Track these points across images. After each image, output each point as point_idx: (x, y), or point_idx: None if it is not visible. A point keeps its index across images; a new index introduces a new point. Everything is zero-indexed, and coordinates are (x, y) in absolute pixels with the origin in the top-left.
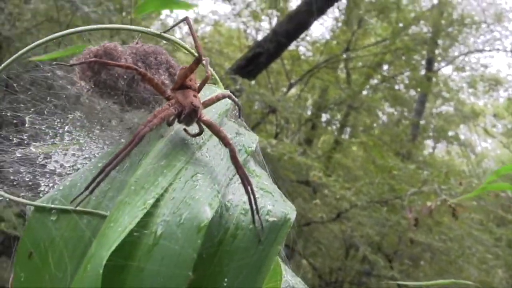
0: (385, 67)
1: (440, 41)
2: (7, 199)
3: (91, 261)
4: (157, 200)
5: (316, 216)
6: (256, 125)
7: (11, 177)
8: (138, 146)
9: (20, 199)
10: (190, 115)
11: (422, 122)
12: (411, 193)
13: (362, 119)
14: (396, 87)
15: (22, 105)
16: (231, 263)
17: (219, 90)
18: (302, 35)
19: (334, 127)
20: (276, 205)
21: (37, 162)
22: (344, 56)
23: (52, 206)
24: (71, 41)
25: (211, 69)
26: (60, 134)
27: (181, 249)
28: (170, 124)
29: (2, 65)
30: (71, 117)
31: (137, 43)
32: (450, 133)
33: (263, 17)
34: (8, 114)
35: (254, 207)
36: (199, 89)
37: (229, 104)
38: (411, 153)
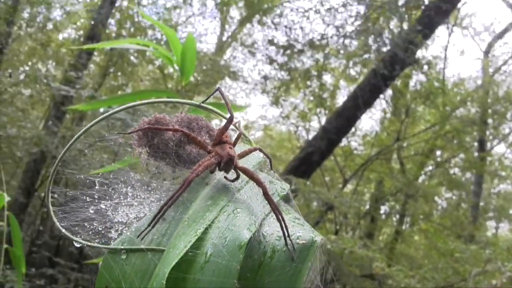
0: (438, 152)
1: (489, 120)
2: (85, 245)
3: (156, 279)
4: (206, 229)
5: None
6: (315, 224)
7: (88, 228)
8: (188, 193)
9: (98, 245)
10: (227, 163)
11: (481, 203)
12: (475, 274)
13: (420, 206)
14: (451, 171)
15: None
16: (270, 278)
17: (256, 146)
18: (352, 130)
19: (393, 218)
20: (305, 232)
21: (107, 215)
22: (396, 146)
23: (121, 247)
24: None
25: (242, 129)
26: (124, 193)
27: (228, 263)
28: (212, 171)
29: (65, 148)
30: (133, 178)
31: (181, 112)
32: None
33: (311, 116)
34: (82, 177)
35: (285, 232)
36: (234, 144)
37: (261, 158)
38: (473, 236)
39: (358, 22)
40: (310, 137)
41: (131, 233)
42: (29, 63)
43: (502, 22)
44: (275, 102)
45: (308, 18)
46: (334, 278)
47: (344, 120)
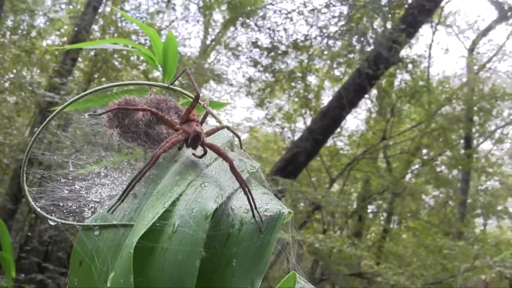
0: (424, 150)
1: (475, 118)
2: (60, 223)
3: (125, 249)
4: (174, 202)
5: None
6: (302, 224)
7: (63, 208)
8: (158, 170)
9: (71, 222)
10: (194, 139)
11: (468, 200)
12: (464, 270)
13: (407, 205)
14: (438, 169)
15: (65, 151)
16: (238, 249)
17: (224, 124)
18: (338, 130)
19: (381, 216)
20: (272, 205)
21: (80, 194)
22: (382, 145)
23: (96, 223)
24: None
25: (213, 112)
26: (97, 173)
27: (194, 232)
28: (180, 148)
29: (44, 123)
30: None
31: (150, 94)
32: (499, 208)
33: (297, 117)
34: (55, 158)
35: (253, 205)
36: (201, 122)
37: (230, 136)
38: (461, 233)
39: (341, 23)
40: (296, 138)
41: (104, 210)
42: (14, 71)
43: (486, 20)
44: (260, 104)
45: (291, 19)
46: (323, 277)
47: (329, 120)
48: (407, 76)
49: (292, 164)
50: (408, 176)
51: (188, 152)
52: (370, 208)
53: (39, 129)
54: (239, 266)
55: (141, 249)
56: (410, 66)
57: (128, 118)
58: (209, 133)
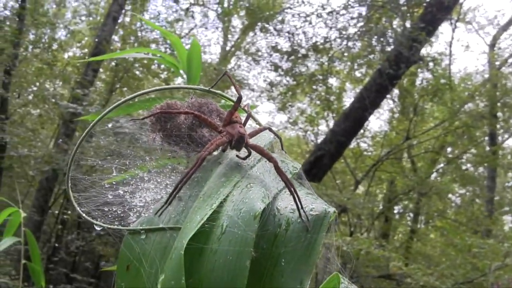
0: (449, 149)
1: (499, 114)
2: (106, 228)
3: (174, 251)
4: (221, 203)
5: None
6: (328, 228)
7: (108, 213)
8: (203, 173)
9: (118, 227)
10: (238, 140)
11: (496, 197)
12: (495, 268)
13: (434, 204)
14: (463, 167)
15: (109, 157)
16: (286, 248)
17: (265, 125)
18: (361, 131)
19: (408, 217)
20: (318, 204)
21: (125, 199)
22: (405, 145)
23: (143, 227)
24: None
25: (255, 116)
26: (140, 177)
27: (243, 232)
28: (224, 150)
29: (81, 138)
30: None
31: (191, 98)
32: None
33: (319, 120)
34: (99, 162)
35: (299, 204)
36: (244, 124)
37: (272, 138)
38: (490, 231)
39: (360, 24)
40: (319, 140)
41: (149, 214)
42: (37, 83)
43: (506, 14)
44: (282, 108)
45: (310, 22)
46: (351, 280)
47: (352, 122)
48: (428, 75)
49: (316, 167)
50: (434, 175)
51: (231, 154)
52: (396, 208)
53: (83, 135)
54: (287, 265)
55: (190, 251)
56: (431, 64)
57: (170, 122)
58: (251, 135)
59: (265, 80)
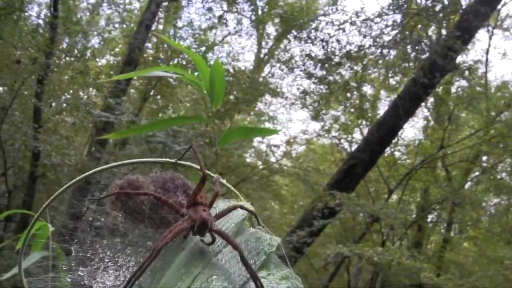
0: (484, 157)
1: None
2: None
3: None
4: None
5: None
6: (362, 236)
7: None
8: (162, 260)
9: None
10: (200, 227)
11: None
12: None
13: (468, 213)
14: (498, 176)
15: (66, 237)
16: None
17: (238, 202)
18: (395, 140)
19: (441, 226)
20: None
21: (84, 283)
22: (440, 153)
23: None
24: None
25: (228, 185)
26: (101, 259)
27: None
28: (185, 236)
29: (46, 203)
30: (110, 244)
31: (156, 172)
32: None
33: (353, 128)
34: (54, 246)
35: None
36: (210, 205)
37: (245, 214)
38: None
39: (395, 31)
40: (353, 149)
41: None
42: (70, 91)
43: None
44: (316, 116)
45: (344, 30)
46: None
47: (386, 130)
48: (464, 83)
49: (349, 176)
50: (468, 184)
51: (196, 238)
52: (430, 217)
53: (49, 200)
54: None
55: None
56: (466, 72)
57: (132, 200)
58: (219, 216)
59: (298, 88)
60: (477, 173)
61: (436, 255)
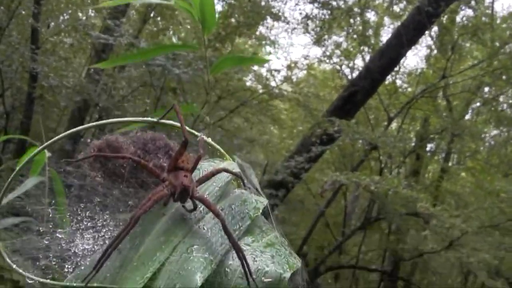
0: (486, 89)
1: None
2: (37, 282)
3: None
4: (155, 274)
5: (428, 247)
6: (360, 163)
7: (41, 262)
8: (142, 226)
9: (48, 281)
10: (181, 193)
11: None
12: None
13: (467, 144)
14: (499, 107)
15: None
16: None
17: (223, 164)
18: (396, 68)
19: (439, 156)
20: (274, 266)
21: (61, 247)
22: (442, 83)
23: (72, 284)
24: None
25: (214, 144)
26: (79, 220)
27: None
28: (165, 203)
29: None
30: (89, 205)
31: (136, 132)
32: None
33: (355, 55)
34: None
35: (247, 270)
36: (192, 169)
37: (230, 177)
38: None
39: None
40: (354, 75)
41: (85, 267)
42: (69, 11)
43: None
44: (318, 41)
45: None
46: (379, 216)
47: (388, 59)
48: (469, 12)
49: (349, 103)
50: (468, 115)
51: (177, 203)
52: (429, 146)
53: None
54: None
55: None
56: (473, 2)
57: (111, 162)
58: (202, 180)
59: (301, 13)
60: (478, 104)
61: (433, 185)
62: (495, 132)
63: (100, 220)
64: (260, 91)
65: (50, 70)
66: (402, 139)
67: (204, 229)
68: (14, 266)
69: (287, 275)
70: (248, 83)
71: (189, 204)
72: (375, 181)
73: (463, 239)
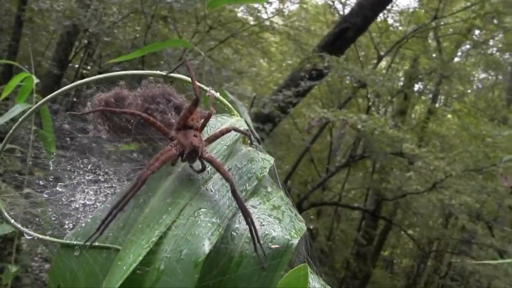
0: (476, 32)
1: None
2: (35, 238)
3: None
4: (161, 238)
5: (412, 188)
6: (347, 100)
7: (39, 218)
8: (147, 184)
9: (47, 237)
10: (191, 154)
11: None
12: (506, 159)
13: (455, 86)
14: (489, 51)
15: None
16: None
17: (231, 120)
18: (389, 6)
19: (427, 96)
20: (281, 231)
21: (62, 202)
22: (433, 24)
23: (72, 242)
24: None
25: (223, 100)
26: (81, 174)
27: (181, 283)
28: (173, 164)
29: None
30: (92, 160)
31: (147, 83)
32: None
33: None
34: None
35: (255, 237)
36: (201, 127)
37: (238, 135)
38: (507, 119)
39: None
40: (346, 12)
41: (86, 224)
42: None
43: None
44: None
45: None
46: (364, 154)
47: None
48: None
49: (340, 39)
50: (458, 57)
51: (184, 162)
52: (416, 87)
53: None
54: None
55: None
56: None
57: (116, 116)
58: (211, 140)
59: None
60: (468, 47)
61: (419, 126)
62: (483, 75)
63: (103, 174)
64: (251, 22)
65: None
66: (390, 78)
67: (211, 190)
68: (12, 221)
69: (295, 241)
70: (239, 14)
71: (196, 164)
72: (362, 119)
73: (446, 182)
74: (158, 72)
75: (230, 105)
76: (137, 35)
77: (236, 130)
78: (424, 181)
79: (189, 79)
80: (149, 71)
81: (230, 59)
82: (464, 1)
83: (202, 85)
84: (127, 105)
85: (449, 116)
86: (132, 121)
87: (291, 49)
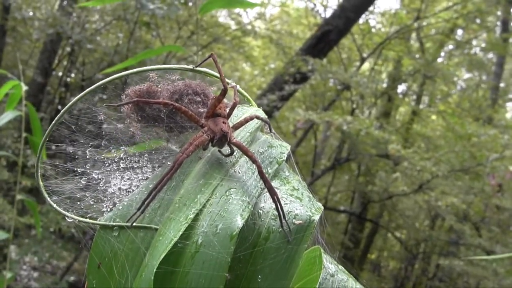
0: (459, 32)
1: None
2: (76, 221)
3: (145, 270)
4: (197, 215)
5: (398, 189)
6: (331, 103)
7: (79, 203)
8: (180, 168)
9: (87, 220)
10: (221, 139)
11: (501, 85)
12: (492, 159)
13: (438, 87)
14: (472, 51)
15: (81, 141)
16: (264, 261)
17: (251, 109)
18: (371, 8)
19: (411, 98)
20: (303, 209)
21: (99, 187)
22: (415, 25)
23: (113, 223)
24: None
25: (243, 92)
26: (115, 162)
27: (218, 254)
28: (205, 148)
29: (67, 106)
30: (124, 148)
31: (176, 78)
32: None
33: None
34: (71, 150)
35: (281, 213)
36: (228, 115)
37: (259, 123)
38: (492, 118)
39: None
40: (328, 15)
41: (123, 207)
42: None
43: None
44: None
45: None
46: (349, 157)
47: None
48: None
49: (322, 42)
50: (441, 59)
51: (213, 147)
52: (400, 88)
53: (62, 112)
54: (264, 282)
55: (161, 272)
56: None
57: (148, 107)
58: (236, 127)
59: None
60: (451, 47)
61: (404, 127)
62: (467, 75)
63: (136, 163)
64: (233, 27)
65: (22, 1)
66: (374, 80)
67: (239, 172)
68: (55, 205)
69: (316, 217)
70: (221, 19)
71: (225, 148)
72: (347, 121)
73: (433, 182)
74: (186, 66)
75: (249, 97)
76: (120, 42)
77: (258, 118)
78: (410, 182)
79: (214, 72)
80: (178, 66)
81: (212, 64)
82: (446, 1)
83: (228, 80)
84: (158, 97)
85: (434, 117)
86: (164, 110)
87: (274, 53)
